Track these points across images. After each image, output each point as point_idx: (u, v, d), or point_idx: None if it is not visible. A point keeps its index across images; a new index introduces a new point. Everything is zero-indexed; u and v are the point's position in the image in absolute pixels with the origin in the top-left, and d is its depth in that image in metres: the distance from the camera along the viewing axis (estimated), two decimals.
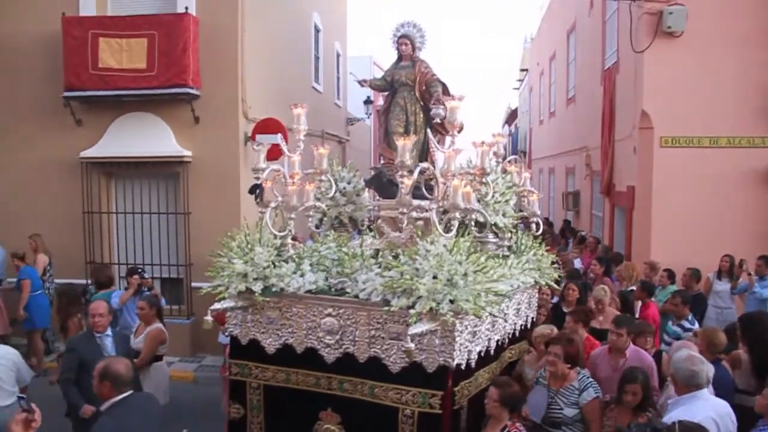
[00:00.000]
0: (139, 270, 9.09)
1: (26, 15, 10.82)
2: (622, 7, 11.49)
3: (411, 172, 4.96)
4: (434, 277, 4.41)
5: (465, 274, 4.43)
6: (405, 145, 5.00)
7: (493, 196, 5.85)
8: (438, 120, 6.33)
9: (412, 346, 4.28)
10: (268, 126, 10.21)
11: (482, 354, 5.11)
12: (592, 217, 15.57)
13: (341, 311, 4.96)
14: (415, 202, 5.05)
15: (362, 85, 7.29)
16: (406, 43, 6.66)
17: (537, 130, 26.62)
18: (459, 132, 6.72)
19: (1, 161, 11.13)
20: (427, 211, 5.01)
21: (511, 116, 40.40)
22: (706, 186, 10.30)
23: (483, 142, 5.21)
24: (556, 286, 6.77)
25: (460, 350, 4.66)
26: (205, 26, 10.38)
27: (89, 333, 6.26)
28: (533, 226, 6.34)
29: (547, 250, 6.47)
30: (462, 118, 5.97)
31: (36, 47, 10.79)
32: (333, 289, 5.10)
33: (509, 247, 6.20)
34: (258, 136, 9.95)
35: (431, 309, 4.33)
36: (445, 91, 6.49)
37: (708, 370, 4.63)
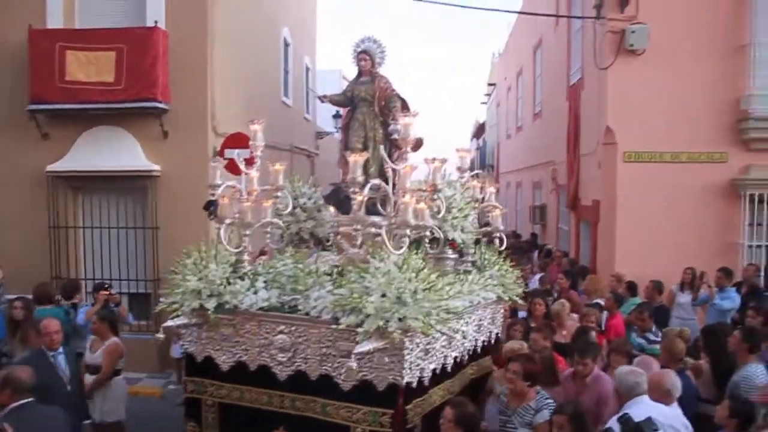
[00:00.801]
0: (106, 285, 8.97)
1: None
2: (586, 25, 11.77)
3: (363, 188, 4.96)
4: (383, 295, 4.37)
5: (414, 292, 4.39)
6: (356, 161, 5.00)
7: (450, 212, 5.80)
8: (396, 136, 6.21)
9: (354, 365, 4.25)
10: (237, 140, 10.19)
11: (437, 371, 5.05)
12: (558, 230, 15.80)
13: (293, 329, 4.91)
14: (371, 218, 5.05)
15: (322, 101, 7.23)
16: (365, 58, 6.62)
17: (505, 144, 26.94)
18: (418, 148, 6.74)
19: None
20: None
21: (479, 130, 40.76)
22: (668, 200, 10.54)
23: (434, 159, 5.19)
24: (520, 301, 6.69)
25: (410, 368, 4.61)
26: (175, 40, 10.36)
27: (41, 352, 6.13)
28: (496, 241, 6.31)
29: (512, 265, 6.46)
30: (418, 133, 5.99)
31: (1, 59, 10.66)
32: (286, 306, 5.04)
33: (473, 263, 6.19)
34: (228, 151, 9.93)
35: (378, 327, 4.29)
36: (405, 106, 6.45)
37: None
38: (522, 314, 8.20)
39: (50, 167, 10.56)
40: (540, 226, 17.84)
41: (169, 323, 5.23)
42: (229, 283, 5.11)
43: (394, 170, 5.20)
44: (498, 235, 6.27)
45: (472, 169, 6.66)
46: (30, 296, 8.12)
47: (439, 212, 5.45)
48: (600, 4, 10.71)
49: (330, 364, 4.75)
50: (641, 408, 4.57)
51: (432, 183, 5.15)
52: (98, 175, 10.59)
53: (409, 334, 4.41)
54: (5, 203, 10.76)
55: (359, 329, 4.36)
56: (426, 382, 4.87)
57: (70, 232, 10.90)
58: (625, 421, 4.30)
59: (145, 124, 10.52)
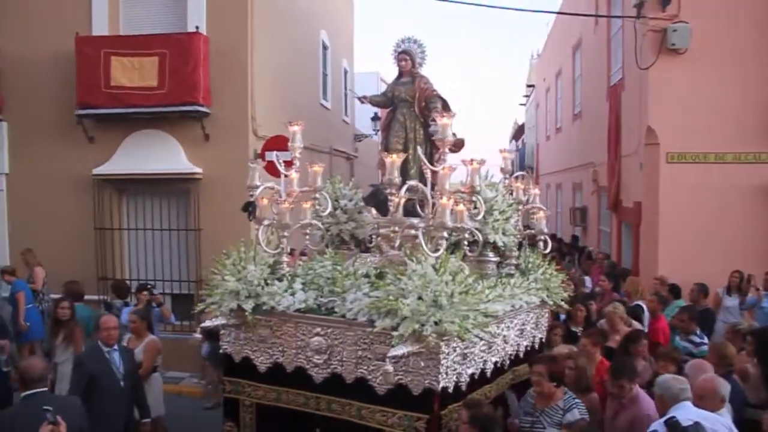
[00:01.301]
0: (149, 286, 9.19)
1: (40, 34, 11.00)
2: (626, 25, 11.61)
3: (399, 189, 4.90)
4: (419, 298, 4.31)
5: (451, 295, 4.33)
6: (393, 162, 4.97)
7: (491, 214, 5.72)
8: (437, 136, 6.27)
9: (390, 368, 4.22)
10: (278, 142, 10.31)
11: (476, 377, 4.96)
12: (599, 232, 15.61)
13: (329, 330, 4.88)
14: (409, 220, 4.98)
15: (362, 102, 7.21)
16: (406, 59, 6.58)
17: (544, 145, 26.71)
18: (459, 149, 6.67)
19: (15, 178, 11.31)
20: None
21: (518, 132, 40.51)
22: (712, 201, 10.35)
23: (472, 160, 5.08)
24: (565, 305, 6.49)
25: (447, 373, 4.52)
26: (216, 45, 10.55)
27: (97, 347, 6.23)
28: (540, 243, 6.19)
29: (557, 269, 6.30)
30: (458, 134, 5.93)
31: (49, 66, 10.97)
32: (323, 308, 5.02)
33: (516, 266, 6.09)
34: (268, 153, 10.04)
35: (414, 330, 4.24)
36: (445, 107, 6.36)
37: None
38: (562, 317, 8.04)
39: (96, 170, 10.84)
40: (581, 228, 17.64)
41: (208, 323, 5.29)
42: (267, 284, 5.13)
43: (433, 171, 5.13)
44: (542, 237, 6.15)
45: (512, 171, 6.43)
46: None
47: (478, 214, 5.34)
48: (641, 4, 10.56)
49: (366, 367, 4.71)
50: (686, 413, 4.49)
51: (470, 185, 5.05)
52: (142, 178, 10.82)
53: (445, 338, 4.34)
54: (53, 205, 11.07)
55: (394, 332, 4.32)
56: (463, 387, 4.77)
57: (115, 234, 11.16)
58: (673, 424, 4.24)
59: (187, 128, 10.72)
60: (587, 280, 11.31)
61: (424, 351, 4.35)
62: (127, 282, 8.98)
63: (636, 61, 10.87)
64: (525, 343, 5.86)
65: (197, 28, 10.48)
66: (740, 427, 4.89)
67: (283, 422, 5.14)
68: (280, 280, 5.21)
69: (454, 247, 5.13)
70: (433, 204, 4.94)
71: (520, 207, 6.14)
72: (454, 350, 4.59)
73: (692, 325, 7.44)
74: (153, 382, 7.15)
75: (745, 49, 10.25)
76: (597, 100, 14.94)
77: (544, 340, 6.37)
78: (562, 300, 6.24)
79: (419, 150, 5.79)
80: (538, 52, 30.72)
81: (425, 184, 5.13)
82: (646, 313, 8.29)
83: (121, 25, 11.18)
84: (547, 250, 6.22)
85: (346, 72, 19.27)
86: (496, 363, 5.30)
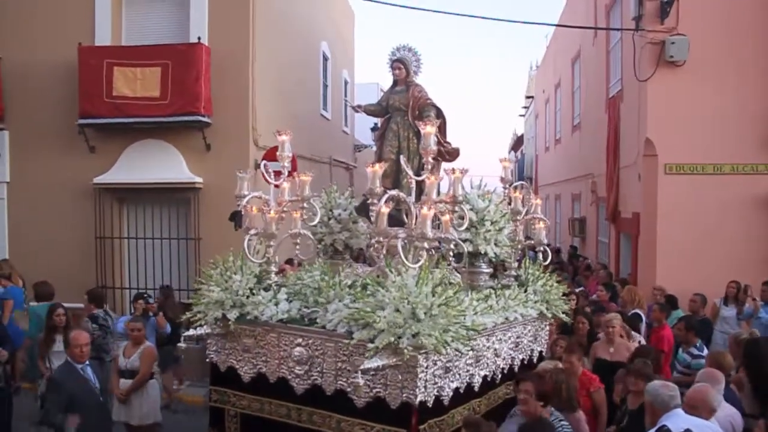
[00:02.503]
0: (145, 295, 9.21)
1: (43, 44, 11.09)
2: (625, 37, 11.70)
3: (393, 200, 4.83)
4: (396, 310, 4.20)
5: (430, 307, 4.20)
6: (375, 172, 4.93)
7: (483, 225, 5.61)
8: (421, 146, 6.17)
9: (360, 381, 4.15)
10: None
11: (461, 391, 4.81)
12: (598, 243, 15.64)
13: (310, 341, 4.80)
14: (392, 230, 4.88)
15: (357, 111, 7.15)
16: (400, 67, 6.51)
17: (543, 156, 26.78)
18: (454, 158, 6.58)
19: (16, 186, 11.36)
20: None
21: (517, 142, 40.61)
22: (710, 212, 10.39)
23: (454, 169, 4.97)
24: (565, 318, 6.30)
25: (426, 387, 4.39)
26: (217, 55, 10.63)
27: (70, 365, 6.02)
28: (539, 255, 6.07)
29: (558, 281, 6.16)
30: (452, 143, 5.86)
31: (52, 75, 11.05)
32: (306, 319, 4.94)
33: (516, 277, 5.97)
34: (266, 163, 10.05)
35: (389, 343, 4.14)
36: (440, 115, 6.29)
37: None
38: None
39: (97, 179, 10.89)
40: (579, 239, 17.68)
41: (191, 332, 5.26)
42: (253, 294, 5.10)
43: (419, 182, 5.05)
44: (541, 248, 6.03)
45: (512, 180, 6.30)
46: (73, 305, 8.36)
47: (461, 224, 5.20)
48: (639, 16, 10.65)
49: (345, 379, 4.62)
50: (678, 420, 4.49)
51: (452, 194, 4.94)
52: (143, 187, 10.89)
53: (422, 351, 4.22)
54: (54, 214, 11.12)
55: (369, 345, 4.22)
56: (446, 401, 4.64)
57: (116, 243, 11.20)
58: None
59: (188, 138, 10.80)
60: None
61: (401, 364, 4.24)
62: (123, 291, 8.94)
63: (634, 73, 10.95)
64: (521, 357, 5.74)
65: (199, 39, 10.57)
66: None
67: None
68: (266, 290, 5.18)
69: (443, 258, 5.10)
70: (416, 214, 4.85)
71: (519, 217, 6.01)
72: (435, 363, 4.47)
73: (691, 336, 7.44)
74: (150, 389, 7.16)
75: (743, 61, 10.32)
76: (596, 112, 15.02)
77: (544, 353, 6.23)
78: (563, 312, 6.10)
79: (402, 159, 5.59)
80: (537, 64, 30.86)
81: (420, 194, 5.03)
82: (644, 322, 8.31)
83: (124, 36, 11.30)
84: (547, 262, 6.11)
85: (346, 83, 19.38)
86: (485, 377, 5.16)
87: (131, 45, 11.02)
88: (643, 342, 7.68)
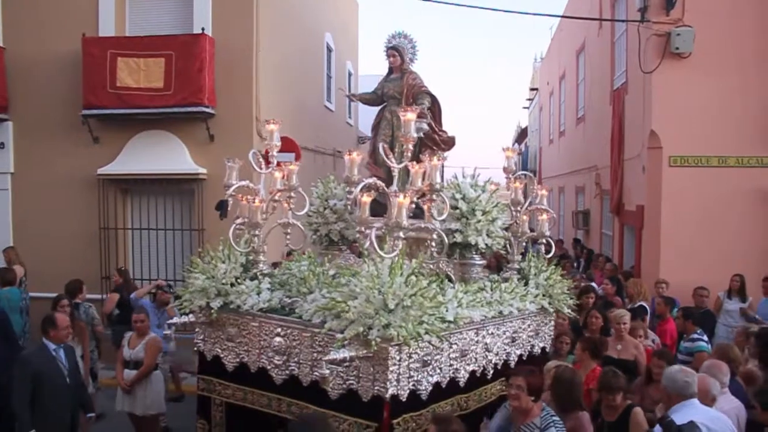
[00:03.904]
0: (164, 287, 9.49)
1: (47, 34, 11.08)
2: (630, 29, 11.64)
3: (370, 189, 4.70)
4: (367, 300, 4.09)
5: (402, 298, 4.08)
6: (353, 160, 4.87)
7: (474, 215, 5.47)
8: (421, 134, 5.96)
9: (326, 372, 4.00)
10: (282, 144, 10.31)
11: (443, 385, 4.66)
12: (601, 235, 15.62)
13: (288, 331, 4.75)
14: (376, 219, 4.77)
15: (351, 100, 7.14)
16: (395, 54, 6.45)
17: (547, 149, 26.72)
18: (450, 147, 6.50)
19: (20, 177, 11.38)
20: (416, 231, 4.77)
21: (521, 135, 40.51)
22: (714, 205, 10.36)
23: (432, 157, 4.84)
24: (569, 312, 6.04)
25: (398, 380, 4.24)
26: (221, 46, 10.61)
27: (44, 347, 6.10)
28: (541, 247, 5.85)
29: (562, 275, 5.95)
30: (448, 132, 5.69)
31: (56, 66, 11.05)
32: (286, 309, 4.89)
33: (519, 270, 5.80)
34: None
35: (358, 334, 4.05)
36: (435, 103, 6.23)
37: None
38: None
39: (101, 170, 10.90)
40: (583, 231, 17.66)
41: (175, 320, 5.30)
42: (238, 283, 5.09)
43: (405, 169, 4.90)
44: (544, 240, 5.81)
45: (516, 171, 5.99)
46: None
47: (440, 213, 5.01)
48: (645, 7, 10.59)
49: (320, 370, 4.44)
50: (691, 411, 4.45)
51: (428, 183, 4.77)
52: (146, 178, 10.91)
53: (394, 343, 4.09)
54: (58, 204, 11.14)
55: (338, 335, 4.15)
56: (424, 396, 4.49)
57: (119, 233, 11.23)
58: (668, 424, 4.25)
59: (192, 129, 10.79)
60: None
61: (371, 356, 4.13)
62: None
63: (639, 65, 10.89)
64: (518, 352, 5.52)
65: (203, 29, 10.54)
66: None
67: (252, 422, 5.06)
68: (252, 279, 5.15)
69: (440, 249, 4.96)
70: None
71: (519, 208, 5.79)
72: (410, 356, 4.31)
73: (689, 325, 7.43)
74: (154, 380, 7.20)
75: (749, 53, 10.27)
76: (600, 104, 14.97)
77: (547, 349, 6.02)
78: (567, 307, 5.89)
79: (381, 147, 5.41)
80: (541, 56, 30.77)
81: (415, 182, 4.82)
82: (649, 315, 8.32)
83: (128, 27, 11.27)
84: (550, 254, 5.88)
85: (350, 74, 19.33)
86: (473, 372, 4.98)
87: (135, 36, 10.98)
88: (657, 341, 7.64)
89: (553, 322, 6.05)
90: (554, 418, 4.53)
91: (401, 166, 4.86)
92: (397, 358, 4.21)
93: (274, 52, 11.61)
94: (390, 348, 4.11)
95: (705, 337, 7.30)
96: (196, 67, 10.32)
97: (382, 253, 4.29)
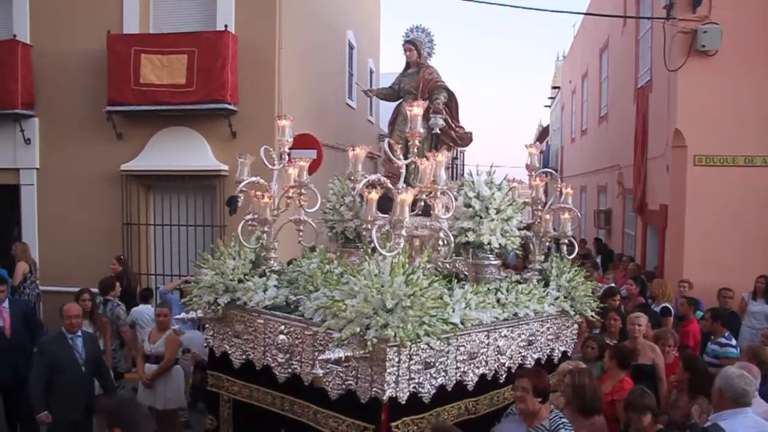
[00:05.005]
0: (191, 282, 9.43)
1: (73, 32, 11.18)
2: (655, 26, 11.51)
3: (375, 185, 4.59)
4: (365, 300, 3.98)
5: (402, 298, 3.96)
6: (357, 155, 4.82)
7: (487, 213, 5.26)
8: (436, 130, 5.89)
9: (319, 372, 3.96)
10: (304, 141, 10.38)
11: (448, 389, 4.51)
12: (624, 235, 15.49)
13: (291, 329, 4.68)
14: (379, 216, 4.58)
15: (368, 95, 7.02)
16: (411, 48, 6.34)
17: (569, 147, 26.54)
18: (467, 143, 6.39)
19: (46, 173, 11.51)
20: (422, 228, 4.70)
21: (543, 134, 40.28)
22: (739, 205, 10.21)
23: (435, 153, 4.73)
24: (592, 315, 5.73)
25: (397, 382, 4.10)
26: (244, 43, 10.65)
27: (62, 334, 6.50)
28: (564, 247, 5.65)
29: (585, 276, 5.71)
30: (465, 128, 5.60)
31: (81, 63, 11.15)
32: (292, 306, 4.83)
33: (541, 271, 5.64)
34: (293, 152, 10.06)
35: (355, 334, 3.96)
36: (452, 98, 6.11)
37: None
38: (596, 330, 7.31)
39: (124, 166, 11.00)
40: (605, 231, 17.52)
41: (182, 315, 5.35)
42: (247, 280, 5.05)
43: (412, 165, 4.83)
44: (566, 240, 5.63)
45: (538, 168, 5.85)
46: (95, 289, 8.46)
47: (447, 211, 4.89)
48: (670, 4, 10.45)
49: (314, 370, 4.34)
50: (741, 421, 4.19)
51: (431, 180, 4.67)
52: (169, 174, 10.98)
53: (392, 344, 3.97)
54: (82, 200, 11.26)
55: (335, 335, 4.09)
56: (427, 399, 4.36)
57: (142, 229, 11.33)
58: (692, 426, 4.18)
59: (214, 125, 10.84)
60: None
61: (369, 356, 4.02)
62: (114, 280, 9.07)
63: (664, 62, 10.77)
64: (536, 356, 5.32)
65: (226, 26, 10.59)
66: None
67: (256, 420, 5.03)
68: (261, 276, 5.12)
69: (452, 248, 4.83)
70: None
71: (540, 206, 5.66)
72: (410, 358, 4.17)
73: (717, 326, 7.32)
74: (174, 374, 7.26)
75: None
76: (624, 102, 14.83)
77: (569, 353, 5.80)
78: (591, 310, 5.63)
79: (385, 144, 5.29)
80: (564, 54, 30.55)
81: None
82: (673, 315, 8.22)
83: (152, 24, 11.35)
84: (573, 255, 5.70)
85: (372, 72, 19.33)
86: (484, 375, 4.81)
87: (159, 33, 11.07)
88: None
89: (576, 326, 5.83)
90: (563, 420, 4.43)
91: (407, 162, 4.79)
92: (396, 359, 4.09)
93: (296, 49, 11.64)
94: (388, 349, 4.00)
95: (733, 342, 7.18)
96: (219, 64, 10.37)
97: (383, 251, 4.17)
